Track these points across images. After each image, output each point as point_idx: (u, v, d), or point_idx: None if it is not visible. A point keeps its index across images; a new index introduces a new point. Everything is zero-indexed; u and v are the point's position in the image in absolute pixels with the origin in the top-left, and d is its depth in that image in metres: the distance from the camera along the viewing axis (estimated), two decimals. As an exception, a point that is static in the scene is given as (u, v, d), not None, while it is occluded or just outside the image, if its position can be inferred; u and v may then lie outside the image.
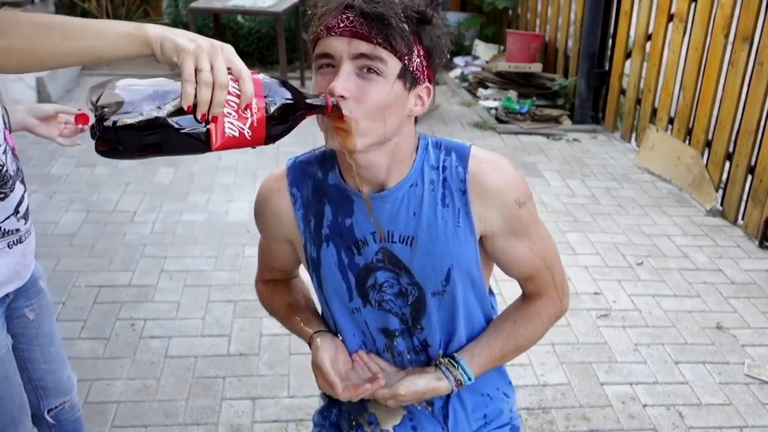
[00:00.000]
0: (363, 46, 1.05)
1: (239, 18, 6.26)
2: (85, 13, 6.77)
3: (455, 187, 1.18)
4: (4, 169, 1.35)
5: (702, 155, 4.03)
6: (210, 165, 4.32)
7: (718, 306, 3.04)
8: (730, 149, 3.83)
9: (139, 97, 0.90)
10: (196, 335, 2.75)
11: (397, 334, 1.28)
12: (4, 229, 1.38)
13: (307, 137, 4.74)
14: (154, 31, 0.92)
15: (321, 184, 1.23)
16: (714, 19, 3.88)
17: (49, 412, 1.67)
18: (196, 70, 0.88)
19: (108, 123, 0.88)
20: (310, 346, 1.31)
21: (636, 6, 4.65)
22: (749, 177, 3.67)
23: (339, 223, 1.22)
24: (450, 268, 1.20)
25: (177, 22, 6.40)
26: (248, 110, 0.93)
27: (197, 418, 2.34)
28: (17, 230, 1.42)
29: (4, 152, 1.36)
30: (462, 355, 1.26)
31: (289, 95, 1.00)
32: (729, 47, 3.80)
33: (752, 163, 3.65)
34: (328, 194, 1.22)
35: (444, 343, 1.29)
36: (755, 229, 3.59)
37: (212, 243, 3.42)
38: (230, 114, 0.92)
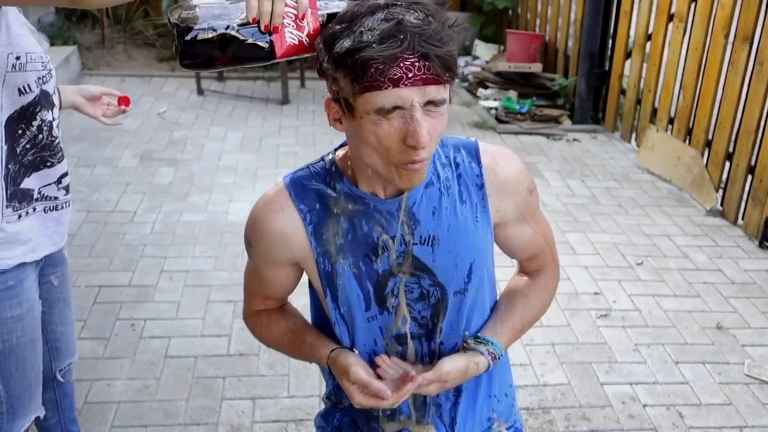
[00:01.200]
0: (434, 91, 1.02)
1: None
2: (84, 14, 6.77)
3: (471, 183, 1.20)
4: (57, 140, 1.47)
5: (702, 155, 4.04)
6: (210, 165, 4.32)
7: (718, 306, 3.04)
8: (730, 149, 3.83)
9: (212, 13, 1.03)
10: (196, 335, 2.75)
11: (412, 338, 1.26)
12: (44, 194, 1.47)
13: (307, 138, 4.77)
14: None
15: (329, 197, 1.19)
16: (714, 19, 3.88)
17: (59, 371, 1.77)
18: None
19: (187, 38, 1.01)
20: (329, 367, 1.25)
21: (636, 6, 4.65)
22: (749, 177, 3.68)
23: (356, 233, 1.19)
24: (472, 264, 1.21)
25: (177, 22, 6.40)
26: (305, 20, 1.04)
27: (197, 418, 2.34)
28: (56, 198, 1.50)
29: (58, 126, 1.47)
30: (486, 334, 1.27)
31: (340, 3, 1.07)
32: (729, 47, 3.80)
33: (752, 163, 3.65)
34: (340, 205, 1.19)
35: (458, 343, 1.28)
36: (755, 229, 3.59)
37: (212, 243, 3.42)
38: (289, 24, 1.03)
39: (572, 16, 5.31)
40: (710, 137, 3.98)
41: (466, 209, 1.20)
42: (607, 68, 5.03)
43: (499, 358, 1.24)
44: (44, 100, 1.42)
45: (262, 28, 1.01)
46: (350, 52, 0.99)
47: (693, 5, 4.08)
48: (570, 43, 5.39)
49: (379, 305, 1.24)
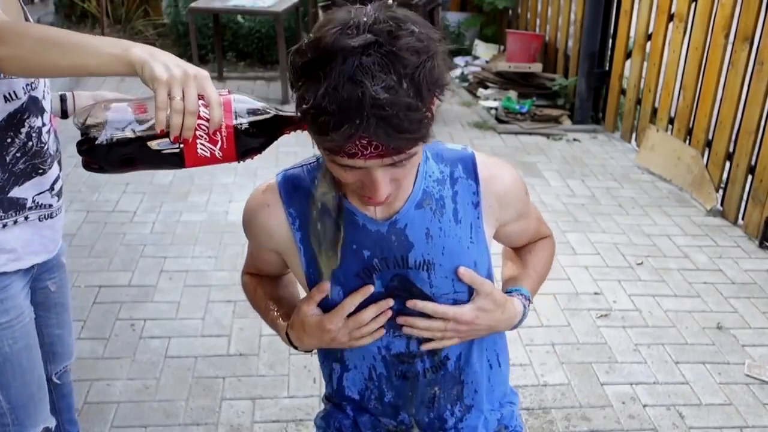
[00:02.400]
0: (395, 157, 0.98)
1: (239, 18, 6.27)
2: (84, 14, 6.77)
3: (468, 201, 1.17)
4: (46, 147, 1.45)
5: (702, 155, 4.03)
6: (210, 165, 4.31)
7: (718, 306, 3.04)
8: (731, 149, 3.83)
9: (120, 118, 1.02)
10: (196, 335, 2.74)
11: (417, 356, 1.24)
12: (38, 203, 1.46)
13: (306, 137, 4.76)
14: (138, 54, 1.01)
15: (320, 202, 1.17)
16: (714, 19, 3.88)
17: (55, 374, 1.77)
18: (170, 98, 0.96)
19: (91, 144, 1.00)
20: (288, 336, 1.23)
21: (636, 6, 4.65)
22: (749, 177, 3.67)
23: (346, 250, 1.16)
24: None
25: (177, 22, 6.40)
26: (218, 134, 1.01)
27: (197, 418, 2.34)
28: (50, 206, 1.49)
29: (48, 132, 1.46)
30: (509, 287, 1.28)
31: (260, 117, 1.05)
32: (729, 47, 3.80)
33: (752, 163, 3.65)
34: (331, 215, 1.17)
35: (463, 355, 1.26)
36: (755, 229, 3.59)
37: (212, 243, 3.42)
38: (201, 136, 1.01)
39: (572, 16, 5.30)
40: (710, 137, 3.98)
41: (461, 230, 1.16)
42: (607, 68, 5.03)
43: (530, 300, 1.26)
44: (33, 106, 1.40)
45: (172, 140, 0.99)
46: (308, 112, 0.94)
47: (693, 5, 4.08)
48: (570, 43, 5.38)
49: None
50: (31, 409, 1.54)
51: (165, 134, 0.99)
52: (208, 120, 1.00)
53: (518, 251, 1.38)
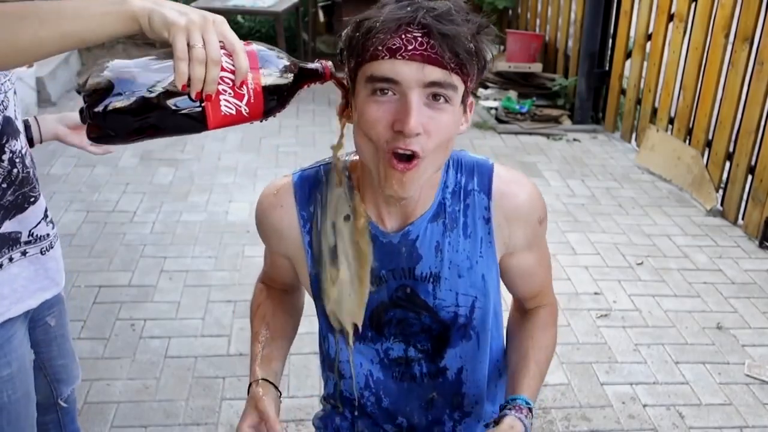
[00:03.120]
0: (436, 73, 0.94)
1: (239, 18, 6.27)
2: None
3: (478, 215, 1.14)
4: (31, 171, 1.34)
5: (702, 155, 4.03)
6: (210, 165, 4.32)
7: (718, 306, 3.04)
8: (730, 149, 3.83)
9: (130, 77, 0.86)
10: (196, 335, 2.74)
11: (415, 361, 1.24)
12: (37, 235, 1.35)
13: (307, 137, 4.77)
14: (140, 4, 0.85)
15: (330, 209, 1.15)
16: (714, 19, 3.88)
17: (61, 398, 1.72)
18: (189, 46, 0.83)
19: (98, 108, 0.84)
20: (250, 386, 1.19)
21: (636, 6, 4.65)
22: (749, 177, 3.67)
23: (352, 266, 1.15)
24: (474, 302, 1.18)
25: (177, 22, 6.40)
26: (244, 86, 0.89)
27: (197, 418, 2.34)
28: (47, 235, 1.39)
29: (27, 155, 1.35)
30: (509, 393, 1.20)
31: (285, 65, 0.93)
32: (729, 47, 3.80)
33: (752, 163, 3.65)
34: (343, 221, 1.15)
35: (463, 367, 1.26)
36: (755, 229, 3.59)
37: (212, 243, 3.42)
38: (225, 91, 0.88)
39: (572, 16, 5.30)
40: (710, 137, 3.98)
41: (470, 244, 1.14)
42: (607, 68, 5.03)
43: (530, 409, 1.15)
44: (8, 128, 1.27)
45: (193, 96, 0.85)
46: (360, 21, 0.97)
47: (693, 5, 4.08)
48: (570, 43, 5.38)
49: (376, 330, 1.21)
50: None
51: (184, 92, 0.85)
52: (232, 71, 0.86)
53: (519, 338, 1.27)
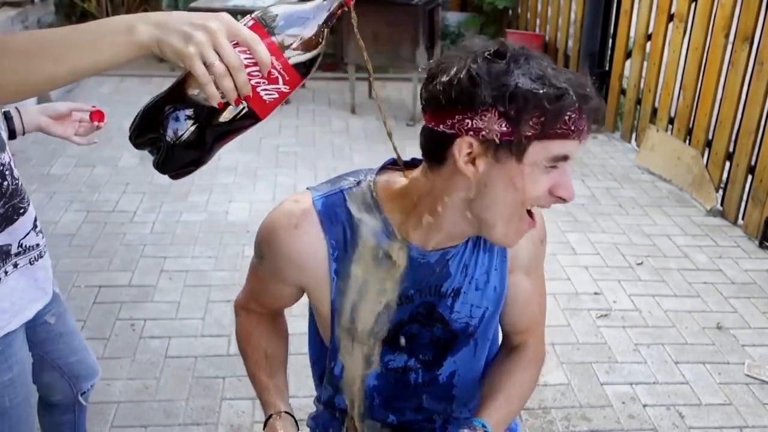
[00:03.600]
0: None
1: (239, 18, 6.27)
2: (84, 14, 6.77)
3: None
4: (20, 183, 1.32)
5: (702, 155, 4.03)
6: (210, 165, 4.25)
7: (718, 306, 3.04)
8: (731, 149, 3.83)
9: (172, 118, 0.90)
10: (196, 335, 2.74)
11: (412, 370, 1.25)
12: (26, 245, 1.34)
13: (307, 137, 4.77)
14: (147, 33, 0.85)
15: (360, 234, 1.11)
16: (714, 19, 3.88)
17: (82, 395, 1.73)
18: (207, 66, 0.83)
19: (165, 155, 0.90)
20: (268, 419, 1.18)
21: (636, 6, 4.65)
22: (749, 177, 3.67)
23: (383, 278, 1.14)
24: (485, 311, 1.19)
25: (177, 22, 6.40)
26: (274, 70, 0.88)
27: (197, 418, 2.34)
28: (37, 245, 1.39)
29: (14, 167, 1.33)
30: (473, 417, 1.19)
31: (302, 18, 0.90)
32: (729, 47, 3.80)
33: (752, 163, 3.65)
34: (370, 244, 1.11)
35: (456, 372, 1.26)
36: (755, 229, 3.59)
37: (212, 243, 3.42)
38: (259, 83, 0.88)
39: (572, 16, 5.30)
40: (710, 137, 3.98)
41: (488, 259, 1.16)
42: (607, 68, 5.03)
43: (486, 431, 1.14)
44: None
45: (233, 104, 0.87)
46: (547, 94, 0.92)
47: (693, 5, 4.08)
48: (570, 43, 5.38)
49: (388, 346, 1.21)
50: None
51: (225, 104, 0.87)
52: (256, 63, 0.86)
53: (499, 370, 1.26)
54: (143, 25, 0.85)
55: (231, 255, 3.32)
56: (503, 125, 0.93)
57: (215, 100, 0.85)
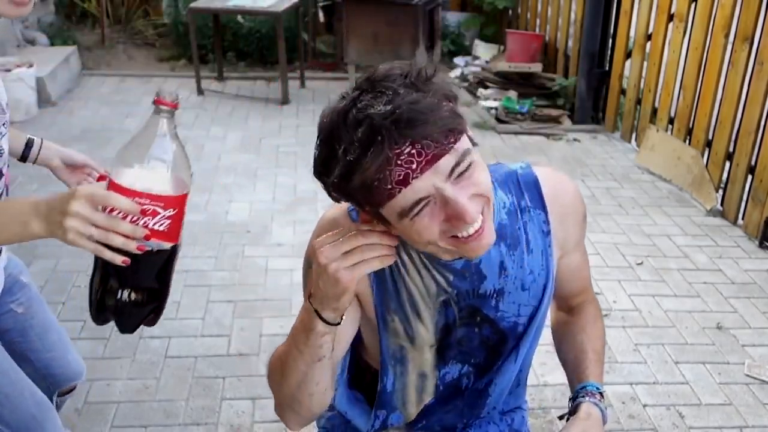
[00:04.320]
0: (449, 160, 0.91)
1: (239, 18, 6.27)
2: (84, 14, 6.77)
3: (537, 230, 1.15)
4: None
5: (702, 155, 4.03)
6: (210, 165, 4.32)
7: (718, 306, 3.04)
8: (731, 149, 3.83)
9: (110, 292, 1.06)
10: (196, 335, 2.74)
11: (465, 375, 1.25)
12: None
13: (307, 137, 4.77)
14: (39, 229, 1.02)
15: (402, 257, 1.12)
16: (714, 19, 3.88)
17: (59, 396, 1.73)
18: (92, 238, 0.97)
19: (124, 320, 1.08)
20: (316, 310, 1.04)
21: (636, 6, 4.65)
22: (749, 177, 3.67)
23: (417, 287, 1.13)
24: (533, 310, 1.19)
25: (177, 22, 6.40)
26: (145, 207, 0.96)
27: (197, 418, 2.34)
28: None
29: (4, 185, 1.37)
30: (575, 386, 1.24)
31: (139, 146, 0.97)
32: (729, 47, 3.80)
33: (752, 163, 3.65)
34: (403, 254, 1.11)
35: (495, 381, 1.26)
36: (755, 229, 3.59)
37: (212, 243, 3.42)
38: (147, 221, 0.97)
39: (572, 16, 5.30)
40: (710, 137, 3.98)
41: (533, 259, 1.15)
42: (607, 68, 5.03)
43: (602, 394, 1.19)
44: (1, 159, 1.31)
45: (138, 251, 0.98)
46: (346, 179, 0.91)
47: (693, 5, 4.08)
48: (570, 43, 5.38)
49: (438, 355, 1.20)
50: (33, 428, 1.49)
51: (129, 264, 0.99)
52: (128, 212, 0.96)
53: (571, 335, 1.30)
54: (37, 222, 1.01)
55: (231, 255, 3.32)
56: (361, 206, 0.97)
57: (118, 260, 0.98)
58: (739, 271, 3.32)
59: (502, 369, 1.24)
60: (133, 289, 1.02)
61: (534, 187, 1.16)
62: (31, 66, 4.89)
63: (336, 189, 0.95)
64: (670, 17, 4.31)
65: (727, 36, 3.80)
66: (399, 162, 0.88)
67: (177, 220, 0.99)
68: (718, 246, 3.54)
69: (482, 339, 1.19)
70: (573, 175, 4.36)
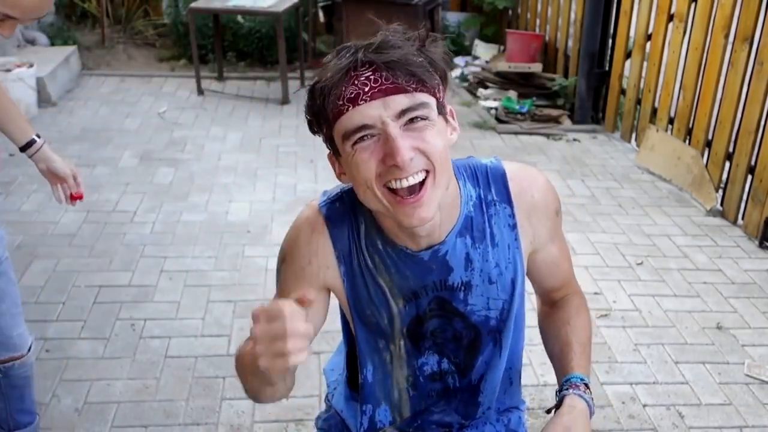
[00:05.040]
0: (402, 100, 0.95)
1: (239, 18, 6.26)
2: (84, 14, 6.77)
3: (503, 224, 1.16)
4: None
5: (702, 155, 4.03)
6: (210, 165, 4.32)
7: (718, 306, 3.04)
8: (730, 149, 3.83)
9: None
10: (196, 335, 2.74)
11: (445, 374, 1.25)
12: None
13: (307, 137, 4.76)
14: None
15: (361, 238, 1.15)
16: (714, 19, 3.88)
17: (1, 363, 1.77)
18: None
19: None
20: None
21: (636, 6, 4.65)
22: (749, 177, 3.67)
23: (386, 279, 1.15)
24: (504, 303, 1.19)
25: (177, 22, 6.40)
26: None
27: (197, 418, 2.34)
28: None
29: None
30: (560, 378, 1.22)
31: None
32: (729, 47, 3.80)
33: (752, 163, 3.65)
34: (371, 248, 1.14)
35: (485, 375, 1.26)
36: (755, 229, 3.59)
37: (212, 243, 3.42)
38: None
39: (572, 16, 5.30)
40: (710, 137, 3.98)
41: (499, 252, 1.16)
42: (607, 68, 5.03)
43: (587, 385, 1.17)
44: None
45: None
46: (313, 89, 0.99)
47: (693, 5, 4.08)
48: (570, 43, 5.38)
49: (413, 344, 1.21)
50: None
51: None
52: None
53: (555, 327, 1.29)
54: None
55: (231, 255, 3.32)
56: (323, 138, 1.04)
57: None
58: (739, 271, 3.32)
59: (490, 366, 1.25)
60: None
61: (501, 181, 1.16)
62: (31, 66, 4.89)
63: (309, 101, 1.01)
64: (670, 17, 4.31)
65: (727, 36, 3.80)
66: (356, 82, 0.94)
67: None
68: (718, 246, 3.54)
69: (455, 333, 1.21)
70: (573, 175, 4.36)
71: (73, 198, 1.86)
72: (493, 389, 1.28)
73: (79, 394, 2.40)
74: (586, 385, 1.16)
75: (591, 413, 1.15)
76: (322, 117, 1.00)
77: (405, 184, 0.98)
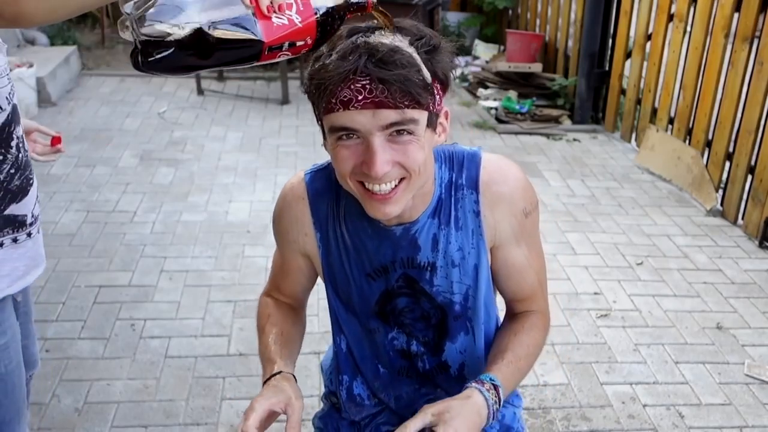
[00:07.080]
0: (391, 116, 0.97)
1: None
2: (84, 14, 6.77)
3: (468, 209, 1.17)
4: (28, 154, 1.40)
5: (702, 155, 4.03)
6: (210, 165, 4.32)
7: (718, 306, 3.04)
8: (730, 149, 3.83)
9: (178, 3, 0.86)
10: (196, 335, 2.74)
11: (415, 355, 1.28)
12: (35, 215, 1.41)
13: (307, 137, 4.77)
14: None
15: (340, 207, 1.20)
16: (714, 19, 3.88)
17: None
18: None
19: (158, 47, 0.86)
20: (271, 377, 1.15)
21: (636, 6, 4.65)
22: (749, 177, 3.67)
23: (359, 251, 1.20)
24: (468, 290, 1.20)
25: (177, 22, 6.40)
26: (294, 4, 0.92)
27: (197, 418, 2.34)
28: (39, 215, 1.46)
29: (24, 139, 1.40)
30: (482, 375, 1.18)
31: None
32: (729, 47, 3.80)
33: (752, 163, 3.65)
34: (348, 220, 1.20)
35: (464, 363, 1.28)
36: (755, 229, 3.59)
37: (212, 243, 3.42)
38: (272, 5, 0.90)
39: (572, 16, 5.31)
40: (710, 137, 3.98)
41: (462, 236, 1.17)
42: (607, 68, 5.03)
43: (495, 386, 1.11)
44: (15, 115, 1.32)
45: (265, 9, 0.88)
46: (312, 75, 1.01)
47: (693, 5, 4.08)
48: (570, 43, 5.38)
49: (382, 320, 1.25)
50: (15, 425, 1.50)
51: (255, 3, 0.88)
52: None
53: (503, 332, 1.25)
54: None
55: (231, 255, 3.32)
56: (315, 111, 1.05)
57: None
58: (739, 271, 3.32)
59: (466, 354, 1.26)
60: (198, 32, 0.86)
61: (474, 167, 1.17)
62: (31, 66, 4.89)
63: (309, 80, 1.02)
64: (670, 17, 4.31)
65: (727, 36, 3.80)
66: (351, 86, 0.95)
67: (287, 31, 0.91)
68: (718, 246, 3.54)
69: (423, 313, 1.23)
70: (573, 175, 4.36)
71: (54, 143, 1.74)
72: (477, 374, 1.28)
73: (79, 394, 2.40)
74: (495, 387, 1.11)
75: (489, 415, 1.09)
76: (315, 104, 1.03)
77: (377, 189, 1.03)
